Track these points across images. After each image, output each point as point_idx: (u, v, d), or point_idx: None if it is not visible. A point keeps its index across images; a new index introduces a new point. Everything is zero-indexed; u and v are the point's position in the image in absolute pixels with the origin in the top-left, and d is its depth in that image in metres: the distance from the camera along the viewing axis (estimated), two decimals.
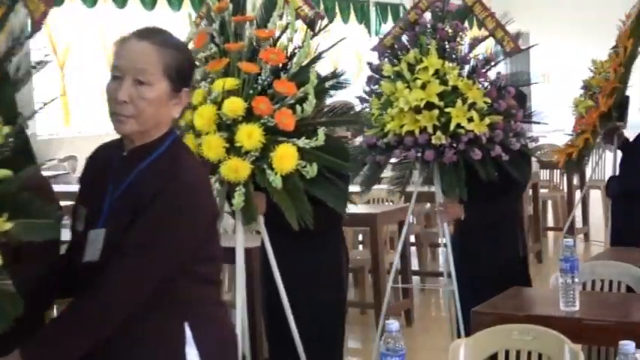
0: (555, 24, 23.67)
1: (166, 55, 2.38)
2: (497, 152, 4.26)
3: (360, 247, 7.50)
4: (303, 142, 3.38)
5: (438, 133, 4.24)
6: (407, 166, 4.62)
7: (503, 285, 4.16)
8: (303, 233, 3.47)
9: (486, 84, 4.40)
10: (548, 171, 9.58)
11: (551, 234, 9.80)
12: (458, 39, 4.42)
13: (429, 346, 5.84)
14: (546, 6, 22.68)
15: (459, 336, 4.35)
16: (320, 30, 3.73)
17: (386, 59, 4.56)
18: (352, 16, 15.54)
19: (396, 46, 4.53)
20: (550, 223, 9.76)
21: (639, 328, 3.36)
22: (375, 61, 4.61)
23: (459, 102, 4.24)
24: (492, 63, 4.47)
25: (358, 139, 4.88)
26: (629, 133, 5.77)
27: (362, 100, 4.58)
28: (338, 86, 3.66)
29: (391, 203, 6.93)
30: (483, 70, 4.41)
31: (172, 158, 2.39)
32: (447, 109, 4.24)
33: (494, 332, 3.21)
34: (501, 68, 5.59)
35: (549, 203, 9.61)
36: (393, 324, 2.45)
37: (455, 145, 4.27)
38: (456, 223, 4.65)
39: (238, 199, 3.43)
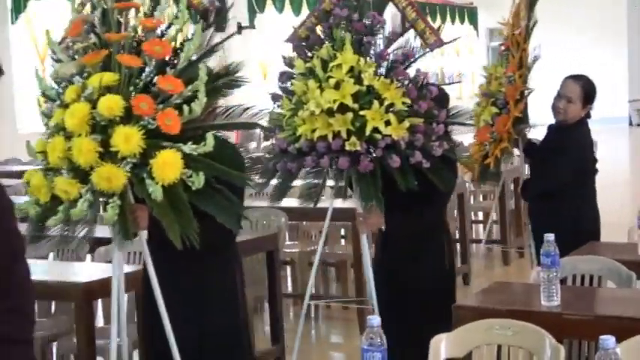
0: (539, 18, 23.73)
1: None
2: (418, 159, 3.86)
3: (343, 241, 7.50)
4: (189, 147, 2.96)
5: (353, 138, 3.85)
6: (320, 174, 4.14)
7: (427, 300, 4.08)
8: (191, 252, 3.12)
9: (406, 83, 4.00)
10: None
11: None
12: (377, 33, 4.06)
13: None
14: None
15: None
16: (214, 21, 3.36)
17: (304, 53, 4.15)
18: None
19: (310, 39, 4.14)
20: None
21: (619, 323, 3.37)
22: (292, 54, 4.20)
23: (376, 103, 3.84)
24: (412, 59, 4.08)
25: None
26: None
27: (274, 98, 4.18)
28: (232, 84, 3.30)
29: None
30: (403, 68, 4.03)
31: None
32: (362, 112, 3.86)
33: (475, 327, 3.21)
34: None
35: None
36: (375, 319, 2.45)
37: (371, 151, 3.90)
38: (377, 234, 4.36)
39: (111, 212, 3.02)
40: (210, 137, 2.97)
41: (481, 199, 9.46)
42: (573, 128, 5.10)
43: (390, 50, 4.06)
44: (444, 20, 20.48)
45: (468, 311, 3.64)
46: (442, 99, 4.18)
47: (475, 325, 3.22)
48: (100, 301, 5.51)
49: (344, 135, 3.85)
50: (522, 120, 5.54)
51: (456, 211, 7.68)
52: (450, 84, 4.28)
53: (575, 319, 3.52)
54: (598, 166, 5.46)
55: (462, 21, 21.30)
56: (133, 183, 2.99)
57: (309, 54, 4.06)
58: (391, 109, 3.87)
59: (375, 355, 2.43)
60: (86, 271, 4.57)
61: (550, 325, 3.18)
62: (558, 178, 5.05)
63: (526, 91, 5.59)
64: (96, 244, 5.08)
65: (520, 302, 3.80)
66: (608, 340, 2.26)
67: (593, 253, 4.38)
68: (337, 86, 3.87)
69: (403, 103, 3.87)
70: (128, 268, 4.73)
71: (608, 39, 23.50)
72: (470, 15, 21.80)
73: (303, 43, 4.11)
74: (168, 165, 2.93)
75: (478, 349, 3.22)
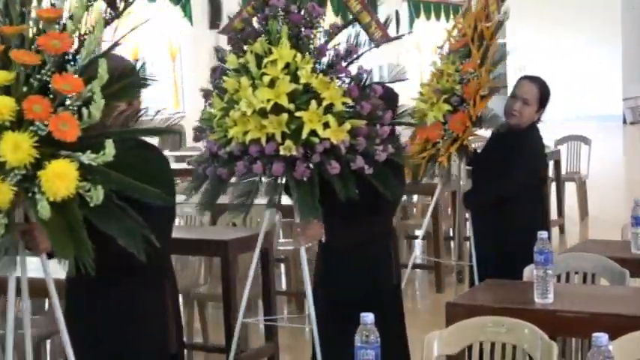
0: (533, 17, 23.77)
1: None
2: (359, 164, 3.52)
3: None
4: (87, 157, 2.51)
5: (288, 141, 3.49)
6: (252, 182, 3.71)
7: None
8: (108, 274, 2.73)
9: (348, 81, 3.67)
10: None
11: None
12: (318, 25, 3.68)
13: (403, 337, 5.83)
14: None
15: None
16: (124, 9, 2.86)
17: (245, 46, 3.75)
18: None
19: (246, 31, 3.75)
20: None
21: (613, 320, 3.38)
22: (227, 47, 3.83)
23: (313, 104, 3.49)
24: (355, 55, 3.72)
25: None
26: None
27: (205, 95, 3.81)
28: (140, 83, 2.85)
29: None
30: (344, 64, 3.67)
31: None
32: (299, 113, 3.50)
33: (468, 324, 3.22)
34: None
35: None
36: (368, 316, 2.45)
37: (309, 155, 3.53)
38: (318, 246, 4.02)
39: None
40: (109, 145, 2.51)
41: None
42: (527, 133, 4.85)
43: (331, 45, 3.71)
44: (438, 18, 20.50)
45: (461, 309, 3.64)
46: (391, 99, 3.92)
47: (468, 322, 3.22)
48: None
49: (278, 138, 3.50)
50: (479, 121, 5.14)
51: (450, 210, 7.70)
52: (394, 81, 3.90)
53: (568, 317, 3.53)
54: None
55: None
56: (24, 199, 2.56)
57: (245, 48, 3.69)
58: (330, 110, 3.52)
59: (368, 352, 2.44)
60: None
61: (543, 322, 3.19)
62: (515, 184, 4.80)
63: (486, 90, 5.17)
64: None
65: (513, 300, 3.80)
66: (601, 337, 2.27)
67: (586, 251, 4.38)
68: (272, 84, 3.52)
69: (344, 103, 3.55)
70: None
71: (602, 38, 23.52)
72: None
73: (239, 36, 3.74)
74: (59, 177, 2.49)
75: (471, 347, 3.22)
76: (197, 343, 5.76)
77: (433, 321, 5.38)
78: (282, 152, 3.49)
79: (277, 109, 3.51)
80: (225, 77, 3.67)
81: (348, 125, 3.51)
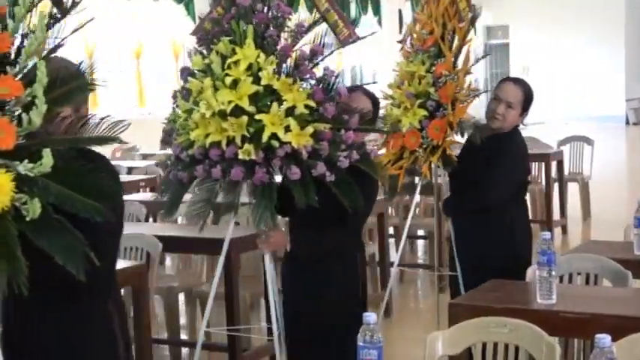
0: (535, 17, 23.78)
1: None
2: (320, 171, 3.37)
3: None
4: (24, 166, 2.29)
5: (246, 145, 3.36)
6: (211, 187, 3.58)
7: (334, 332, 3.72)
8: (46, 298, 2.57)
9: (313, 83, 3.53)
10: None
11: None
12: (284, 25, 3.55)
13: (406, 338, 5.86)
14: None
15: None
16: (70, 9, 2.59)
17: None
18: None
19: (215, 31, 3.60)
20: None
21: (615, 322, 3.38)
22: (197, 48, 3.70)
23: (274, 106, 3.37)
24: (321, 56, 3.57)
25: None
26: None
27: (173, 96, 3.68)
28: (87, 87, 2.58)
29: None
30: (310, 66, 3.53)
31: None
32: (259, 116, 3.38)
33: (471, 325, 3.22)
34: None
35: (527, 196, 9.62)
36: (371, 316, 2.45)
37: (271, 160, 3.41)
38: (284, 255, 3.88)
39: None
40: (47, 154, 2.28)
41: None
42: (510, 136, 4.64)
43: (298, 46, 3.57)
44: None
45: (463, 309, 3.64)
46: (375, 105, 3.89)
47: (471, 322, 3.22)
48: None
49: (239, 142, 3.38)
50: (461, 128, 4.85)
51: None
52: (366, 84, 3.81)
53: (571, 318, 3.52)
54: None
55: None
56: None
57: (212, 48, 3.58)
58: (292, 113, 3.39)
59: (371, 352, 2.44)
60: None
61: (546, 323, 3.19)
62: (499, 190, 4.56)
63: (469, 94, 4.92)
64: None
65: (516, 300, 3.80)
66: (604, 338, 2.27)
67: (589, 252, 4.38)
68: (235, 85, 3.40)
69: (307, 106, 3.40)
70: (125, 263, 4.76)
71: (605, 38, 23.52)
72: None
73: (207, 37, 3.61)
74: None
75: (474, 347, 3.22)
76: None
77: (435, 321, 5.38)
78: (240, 156, 3.37)
79: (238, 111, 3.39)
80: (190, 78, 3.55)
81: (310, 129, 3.38)
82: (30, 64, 2.44)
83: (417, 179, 5.20)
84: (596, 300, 3.83)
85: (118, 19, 13.99)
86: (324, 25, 3.72)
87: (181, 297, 5.96)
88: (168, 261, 7.99)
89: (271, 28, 3.47)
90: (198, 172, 3.48)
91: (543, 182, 9.40)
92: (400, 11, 18.47)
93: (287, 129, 3.36)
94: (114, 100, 14.56)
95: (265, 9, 3.52)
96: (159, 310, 6.26)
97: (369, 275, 5.09)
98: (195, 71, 3.57)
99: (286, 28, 3.55)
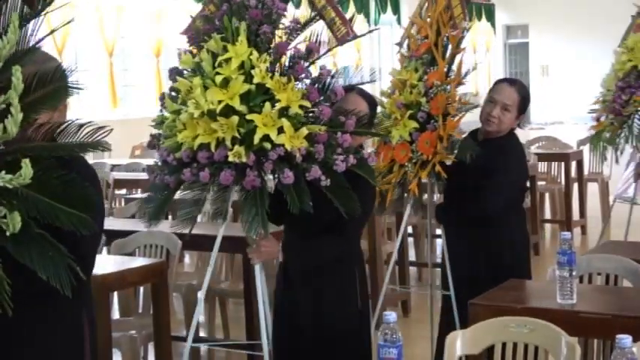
0: (555, 16, 23.69)
1: None
2: (315, 175, 3.18)
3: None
4: (2, 178, 2.15)
5: (237, 147, 3.17)
6: (200, 192, 3.37)
7: (332, 345, 3.57)
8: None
9: (308, 82, 3.35)
10: (546, 163, 9.60)
11: (548, 226, 9.81)
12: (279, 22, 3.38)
13: (425, 337, 5.84)
14: None
15: None
16: (43, 8, 2.39)
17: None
18: (351, 5, 15.52)
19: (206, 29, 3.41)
20: (547, 215, 9.78)
21: (636, 322, 3.36)
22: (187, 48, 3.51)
23: (267, 106, 3.18)
24: (317, 55, 3.42)
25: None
26: None
27: (161, 97, 3.49)
28: (66, 91, 2.38)
29: None
30: (306, 65, 3.35)
31: None
32: (250, 116, 3.19)
33: (491, 324, 3.21)
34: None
35: (547, 195, 9.62)
36: (391, 315, 2.46)
37: (263, 163, 3.20)
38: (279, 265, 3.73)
39: None
40: (26, 164, 2.14)
41: None
42: (508, 140, 4.45)
43: (293, 44, 3.40)
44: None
45: (483, 309, 3.64)
46: (370, 104, 3.70)
47: (491, 322, 3.22)
48: (115, 293, 5.55)
49: (229, 143, 3.19)
50: (451, 145, 4.51)
51: None
52: (362, 83, 3.62)
53: (591, 318, 3.52)
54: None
55: (480, 18, 21.26)
56: None
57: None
58: (286, 114, 3.22)
59: (390, 350, 2.44)
60: (102, 263, 4.59)
61: (566, 323, 3.18)
62: (500, 197, 4.34)
63: (459, 106, 4.60)
64: (112, 236, 5.11)
65: (536, 300, 3.80)
66: (625, 339, 2.27)
67: (609, 252, 4.37)
68: (226, 84, 3.22)
69: (301, 107, 3.23)
70: (145, 261, 4.78)
71: (612, 39, 23.41)
72: (487, 12, 21.76)
73: (198, 35, 3.44)
74: None
75: (493, 347, 3.22)
76: (218, 339, 5.79)
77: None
78: (230, 159, 3.17)
79: (228, 111, 3.20)
80: (178, 77, 3.36)
81: (304, 131, 3.20)
82: None
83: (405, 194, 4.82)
84: (616, 300, 3.81)
85: (139, 17, 14.03)
86: (321, 23, 3.57)
87: (200, 294, 5.98)
88: (187, 259, 8.03)
89: (265, 25, 3.30)
90: (186, 175, 3.28)
91: (563, 182, 9.37)
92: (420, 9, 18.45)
93: (280, 130, 3.18)
94: (133, 99, 14.64)
95: (259, 5, 3.34)
96: (178, 307, 6.29)
97: (387, 274, 5.07)
98: (185, 71, 3.41)
99: (281, 25, 3.39)
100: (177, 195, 3.46)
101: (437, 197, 5.00)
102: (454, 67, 4.66)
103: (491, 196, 4.32)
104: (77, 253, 2.25)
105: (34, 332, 2.58)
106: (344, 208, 3.26)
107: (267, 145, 3.17)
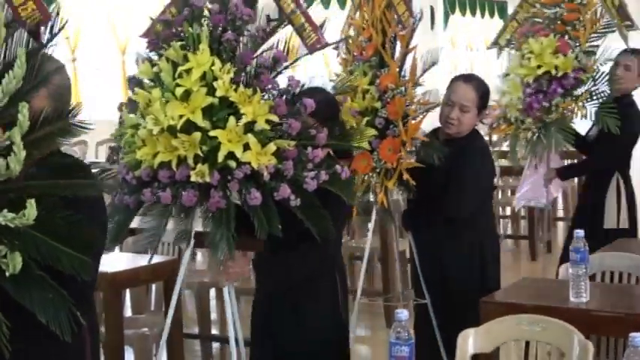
0: None
1: None
2: (284, 194, 2.92)
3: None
4: (3, 217, 2.08)
5: (200, 166, 2.91)
6: (163, 213, 3.08)
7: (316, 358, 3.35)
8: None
9: (275, 94, 3.06)
10: None
11: (561, 224, 9.79)
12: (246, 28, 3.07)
13: None
14: None
15: None
16: (49, 41, 2.36)
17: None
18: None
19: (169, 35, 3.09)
20: (560, 213, 9.76)
21: None
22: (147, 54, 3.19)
23: (232, 121, 2.90)
24: (285, 64, 3.12)
25: None
26: None
27: (119, 108, 3.20)
28: (71, 130, 2.25)
29: None
30: (272, 75, 3.06)
31: None
32: (214, 132, 2.91)
33: (503, 322, 3.21)
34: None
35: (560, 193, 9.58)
36: (403, 313, 2.45)
37: (228, 182, 2.93)
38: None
39: None
40: (31, 205, 2.06)
41: (509, 194, 9.44)
42: (471, 140, 4.25)
43: (259, 52, 3.11)
44: (473, 14, 20.42)
45: (495, 306, 3.63)
46: (328, 106, 3.35)
47: (503, 320, 3.22)
48: (127, 290, 5.56)
49: (191, 162, 2.93)
50: (415, 149, 4.25)
51: None
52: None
53: (604, 316, 3.50)
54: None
55: (492, 15, 21.20)
56: None
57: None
58: (252, 129, 2.93)
59: (402, 348, 2.44)
60: (114, 261, 4.60)
61: (578, 321, 3.17)
62: (467, 200, 4.17)
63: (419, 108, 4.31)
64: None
65: (548, 298, 3.79)
66: (638, 337, 2.26)
67: (622, 250, 4.36)
68: (187, 97, 2.93)
69: (268, 121, 2.95)
70: (158, 258, 4.79)
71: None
72: (500, 9, 21.70)
73: (158, 41, 3.11)
74: None
75: (506, 345, 3.21)
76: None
77: None
78: (193, 178, 2.91)
79: (190, 127, 2.92)
80: (137, 89, 3.05)
81: (272, 147, 2.92)
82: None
83: (371, 197, 4.50)
84: (629, 298, 3.80)
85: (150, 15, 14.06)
86: (289, 29, 3.30)
87: (212, 292, 5.98)
88: (199, 256, 8.05)
89: (229, 32, 3.01)
90: (146, 196, 3.00)
91: (576, 180, 9.33)
92: (432, 8, 18.42)
93: (246, 147, 2.91)
94: None
95: (222, 10, 3.05)
96: (190, 305, 6.30)
97: (398, 271, 5.05)
98: (145, 80, 3.09)
99: (246, 32, 3.08)
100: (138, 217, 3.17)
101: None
102: (407, 67, 4.35)
103: (456, 199, 4.14)
104: (76, 295, 2.18)
105: (33, 337, 2.39)
106: (316, 228, 3.00)
107: (233, 164, 2.91)
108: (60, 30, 2.34)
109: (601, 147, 5.37)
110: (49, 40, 2.32)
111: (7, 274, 2.07)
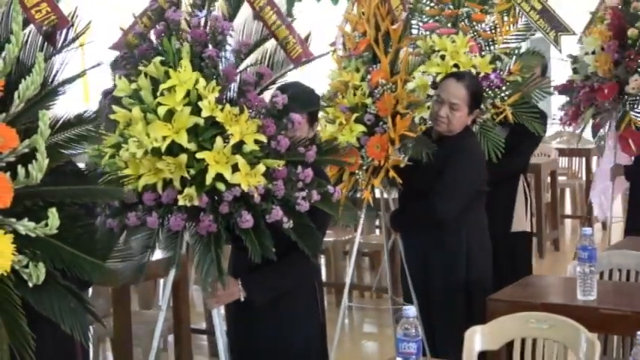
0: (580, 12, 23.52)
1: None
2: (276, 217, 2.81)
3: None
4: (24, 226, 2.02)
5: (187, 189, 2.77)
6: (149, 236, 2.96)
7: None
8: None
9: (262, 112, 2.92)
10: (566, 158, 9.56)
11: (568, 222, 9.78)
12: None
13: None
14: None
15: None
16: (64, 46, 2.33)
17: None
18: None
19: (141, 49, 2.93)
20: (568, 211, 9.74)
21: None
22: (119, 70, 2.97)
23: (219, 141, 2.76)
24: (270, 79, 3.03)
25: None
26: None
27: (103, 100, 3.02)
28: (87, 135, 2.22)
29: None
30: (257, 92, 2.95)
31: None
32: (200, 154, 2.77)
33: (510, 320, 3.21)
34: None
35: (567, 191, 9.58)
36: (410, 309, 2.46)
37: (217, 206, 2.81)
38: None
39: None
40: (53, 214, 2.02)
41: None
42: (461, 138, 4.11)
43: (242, 67, 2.98)
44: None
45: (502, 304, 3.63)
46: (305, 93, 3.33)
47: (511, 317, 3.22)
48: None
49: (177, 184, 2.80)
50: (403, 146, 4.16)
51: None
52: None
53: (611, 314, 3.50)
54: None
55: None
56: None
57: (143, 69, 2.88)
58: (240, 149, 2.81)
59: (410, 345, 2.45)
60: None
61: (586, 319, 3.17)
62: (450, 203, 4.03)
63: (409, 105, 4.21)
64: None
65: (556, 296, 3.79)
66: None
67: (630, 248, 4.35)
68: (170, 117, 2.77)
69: (257, 142, 2.83)
70: (164, 254, 4.80)
71: None
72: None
73: (132, 56, 2.94)
74: None
75: (513, 342, 3.21)
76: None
77: None
78: (181, 203, 2.78)
79: (175, 148, 2.78)
80: (115, 107, 2.85)
81: (262, 167, 2.80)
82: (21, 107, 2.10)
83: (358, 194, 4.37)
84: (636, 296, 3.80)
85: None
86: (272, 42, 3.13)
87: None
88: None
89: (210, 48, 2.87)
90: (131, 220, 2.86)
91: (584, 177, 9.33)
92: None
93: (235, 168, 2.78)
94: None
95: (201, 23, 2.92)
96: (197, 300, 6.31)
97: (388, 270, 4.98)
98: (122, 96, 2.89)
99: (227, 47, 2.94)
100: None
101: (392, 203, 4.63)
102: (400, 62, 4.26)
103: (440, 199, 4.01)
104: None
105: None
106: (309, 249, 2.93)
107: (221, 186, 2.78)
108: (80, 34, 2.31)
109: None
110: (66, 44, 2.29)
111: (30, 284, 2.02)
